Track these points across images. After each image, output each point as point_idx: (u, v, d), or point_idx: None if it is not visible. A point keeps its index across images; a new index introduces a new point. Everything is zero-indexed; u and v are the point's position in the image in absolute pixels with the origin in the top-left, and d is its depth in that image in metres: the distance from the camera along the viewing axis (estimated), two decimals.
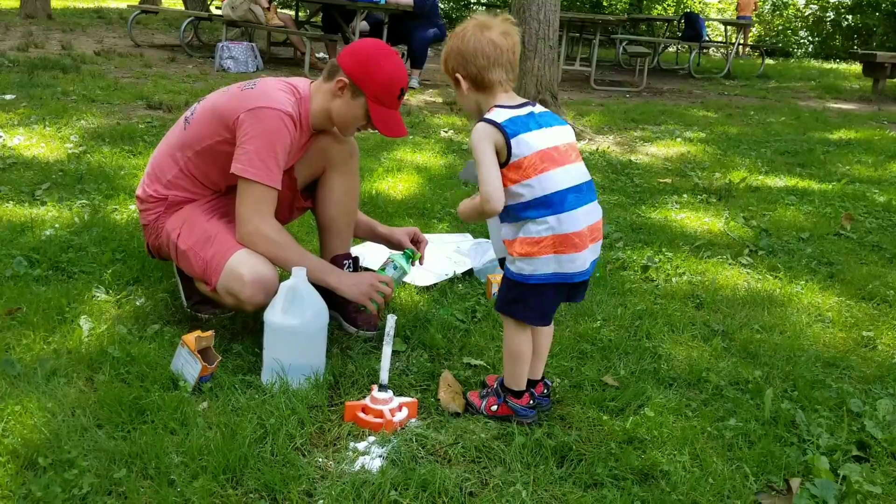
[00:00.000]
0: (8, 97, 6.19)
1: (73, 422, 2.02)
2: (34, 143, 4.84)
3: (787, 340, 2.84)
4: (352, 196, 2.75)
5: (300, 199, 2.72)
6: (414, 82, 9.11)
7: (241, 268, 2.40)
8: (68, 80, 7.21)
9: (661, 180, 5.23)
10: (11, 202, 3.72)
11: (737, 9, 14.67)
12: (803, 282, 3.44)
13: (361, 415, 2.11)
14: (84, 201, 3.81)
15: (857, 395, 2.44)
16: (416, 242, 2.85)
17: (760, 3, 19.00)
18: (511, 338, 2.16)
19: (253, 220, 2.42)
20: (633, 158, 5.90)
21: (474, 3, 21.90)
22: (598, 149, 6.09)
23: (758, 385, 2.46)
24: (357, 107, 2.48)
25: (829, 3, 18.14)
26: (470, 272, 3.30)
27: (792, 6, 18.45)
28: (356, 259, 2.80)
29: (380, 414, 2.10)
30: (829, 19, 17.94)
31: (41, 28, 11.48)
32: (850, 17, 18.08)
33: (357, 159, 2.74)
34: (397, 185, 4.60)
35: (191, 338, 2.22)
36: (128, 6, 14.73)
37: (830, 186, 5.25)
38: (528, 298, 2.09)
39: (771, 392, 2.37)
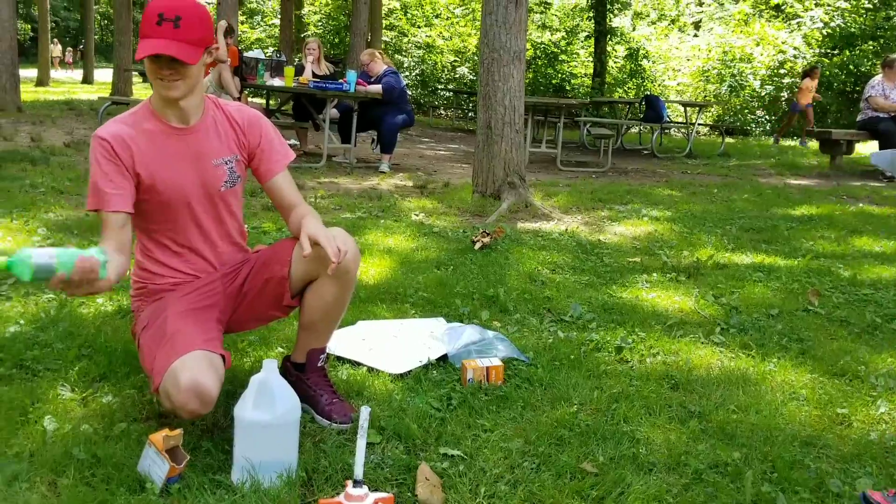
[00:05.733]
0: None
1: None
2: (0, 237, 4.79)
3: (763, 420, 2.83)
4: (340, 305, 2.65)
5: (288, 297, 2.64)
6: (384, 167, 9.23)
7: (181, 372, 2.24)
8: (37, 172, 7.19)
9: (630, 259, 5.29)
10: None
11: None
12: (776, 359, 3.46)
13: None
14: (50, 295, 3.75)
15: (835, 474, 2.43)
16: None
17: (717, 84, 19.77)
18: None
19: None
20: (601, 238, 5.98)
21: (441, 89, 22.43)
22: (566, 229, 6.17)
23: (737, 468, 2.44)
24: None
25: (782, 83, 18.82)
26: (444, 357, 3.27)
27: (748, 87, 19.10)
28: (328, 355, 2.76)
29: None
30: (783, 99, 18.58)
31: (10, 120, 11.51)
32: None
33: (355, 273, 2.61)
34: (368, 270, 4.60)
35: (158, 437, 2.16)
36: (99, 97, 14.87)
37: (796, 262, 5.34)
38: None
39: (751, 475, 2.35)
